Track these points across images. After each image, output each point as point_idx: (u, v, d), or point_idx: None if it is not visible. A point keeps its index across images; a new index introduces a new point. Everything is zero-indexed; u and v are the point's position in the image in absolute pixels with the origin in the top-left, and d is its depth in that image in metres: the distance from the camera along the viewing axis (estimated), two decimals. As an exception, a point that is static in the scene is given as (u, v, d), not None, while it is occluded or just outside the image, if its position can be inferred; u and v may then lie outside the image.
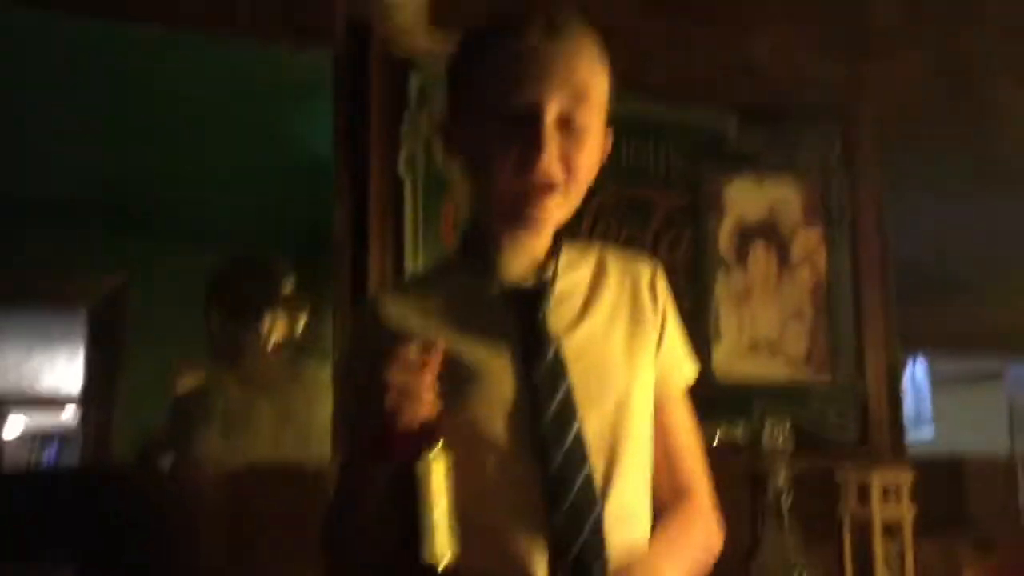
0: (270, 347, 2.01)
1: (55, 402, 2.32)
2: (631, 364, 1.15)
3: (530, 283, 1.14)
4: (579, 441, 1.06)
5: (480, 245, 1.17)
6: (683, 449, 1.21)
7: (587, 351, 1.12)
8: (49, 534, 1.61)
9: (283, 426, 1.92)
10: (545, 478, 1.04)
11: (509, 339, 1.10)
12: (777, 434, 2.07)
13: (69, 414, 2.28)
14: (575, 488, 1.04)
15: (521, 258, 1.15)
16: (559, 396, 1.07)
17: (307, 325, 2.03)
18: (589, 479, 1.06)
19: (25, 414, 2.38)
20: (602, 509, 1.06)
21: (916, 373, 3.72)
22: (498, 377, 1.08)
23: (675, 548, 1.13)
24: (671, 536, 1.15)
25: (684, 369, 1.25)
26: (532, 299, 1.12)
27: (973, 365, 3.77)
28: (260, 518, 1.73)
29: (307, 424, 1.93)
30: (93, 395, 2.04)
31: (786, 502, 2.05)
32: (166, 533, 1.67)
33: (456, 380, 1.04)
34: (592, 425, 1.08)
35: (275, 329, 2.01)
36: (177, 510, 1.68)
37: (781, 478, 2.06)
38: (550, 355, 1.08)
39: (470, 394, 1.07)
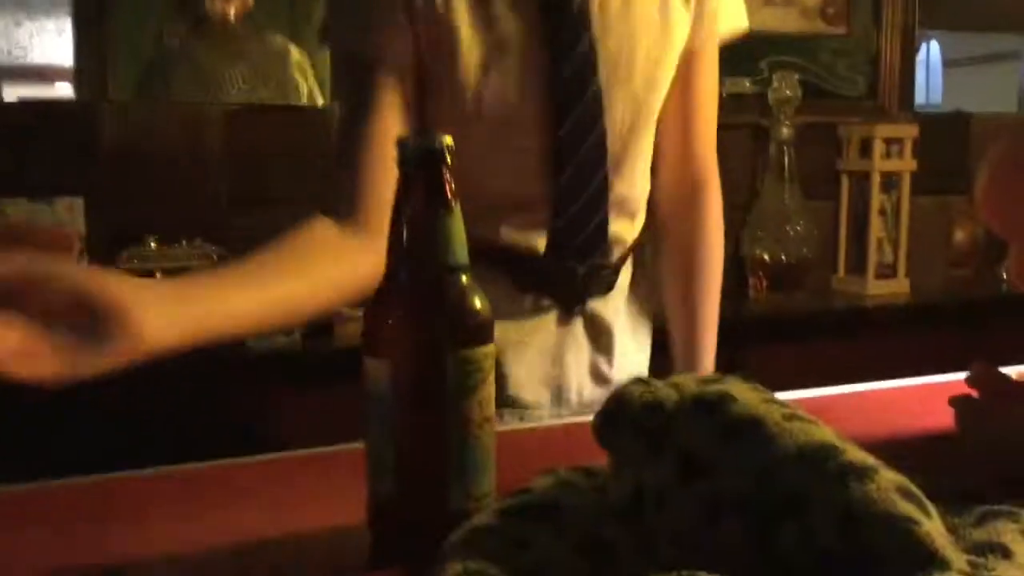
0: (232, 16, 1.94)
1: (46, 75, 2.28)
2: (667, 26, 1.01)
3: None
4: (596, 102, 0.97)
5: None
6: (703, 120, 1.09)
7: (621, 16, 0.99)
8: (56, 170, 1.63)
9: (260, 85, 1.89)
10: (555, 141, 0.96)
11: None
12: (784, 86, 2.03)
13: (62, 89, 2.24)
14: (582, 150, 0.97)
15: None
16: (578, 50, 0.96)
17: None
18: (600, 141, 0.98)
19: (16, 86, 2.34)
20: (606, 179, 0.99)
21: (929, 53, 3.62)
22: (521, 37, 0.95)
23: (715, 299, 1.09)
24: (712, 292, 1.08)
25: (728, 20, 1.08)
26: None
27: (988, 44, 3.66)
28: (261, 155, 1.74)
29: (284, 83, 1.90)
30: (84, 67, 1.99)
31: (788, 153, 2.05)
32: (168, 163, 1.68)
33: (482, 45, 0.95)
34: (616, 102, 0.99)
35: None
36: (178, 142, 1.69)
37: (785, 130, 2.05)
38: (573, 7, 0.96)
39: (494, 60, 0.95)
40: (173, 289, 0.70)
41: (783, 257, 2.09)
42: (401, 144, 0.56)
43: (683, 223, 1.09)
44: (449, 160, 0.55)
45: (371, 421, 0.55)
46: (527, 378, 1.02)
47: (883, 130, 2.09)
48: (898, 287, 2.14)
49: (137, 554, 0.57)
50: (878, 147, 2.09)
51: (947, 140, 2.32)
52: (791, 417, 0.49)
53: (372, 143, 0.92)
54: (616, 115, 0.99)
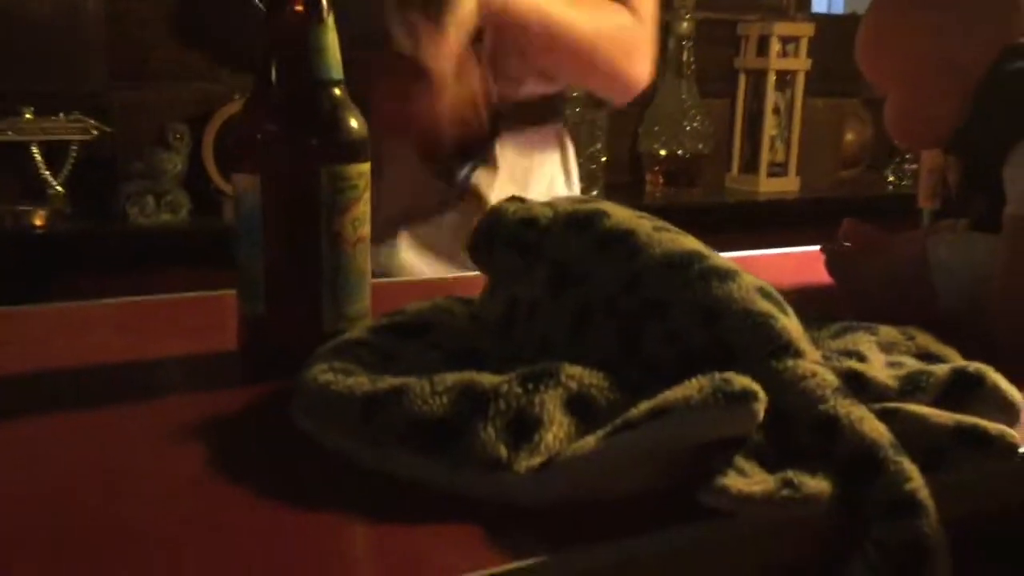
0: None
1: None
2: None
3: None
4: None
5: None
6: None
7: None
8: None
9: None
10: None
11: None
12: (686, -20, 2.02)
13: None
14: None
15: None
16: None
17: None
18: None
19: None
20: None
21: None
22: None
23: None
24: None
25: None
26: None
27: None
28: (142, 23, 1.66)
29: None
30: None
31: (687, 49, 2.06)
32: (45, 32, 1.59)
33: None
34: None
35: None
36: (55, 11, 1.59)
37: (684, 24, 2.05)
38: None
39: None
40: None
41: (679, 152, 2.11)
42: None
43: None
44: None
45: (241, 240, 0.54)
46: None
47: (780, 28, 2.11)
48: (789, 185, 2.19)
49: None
50: (775, 45, 2.10)
51: (843, 43, 2.34)
52: (660, 229, 0.49)
53: None
54: None
